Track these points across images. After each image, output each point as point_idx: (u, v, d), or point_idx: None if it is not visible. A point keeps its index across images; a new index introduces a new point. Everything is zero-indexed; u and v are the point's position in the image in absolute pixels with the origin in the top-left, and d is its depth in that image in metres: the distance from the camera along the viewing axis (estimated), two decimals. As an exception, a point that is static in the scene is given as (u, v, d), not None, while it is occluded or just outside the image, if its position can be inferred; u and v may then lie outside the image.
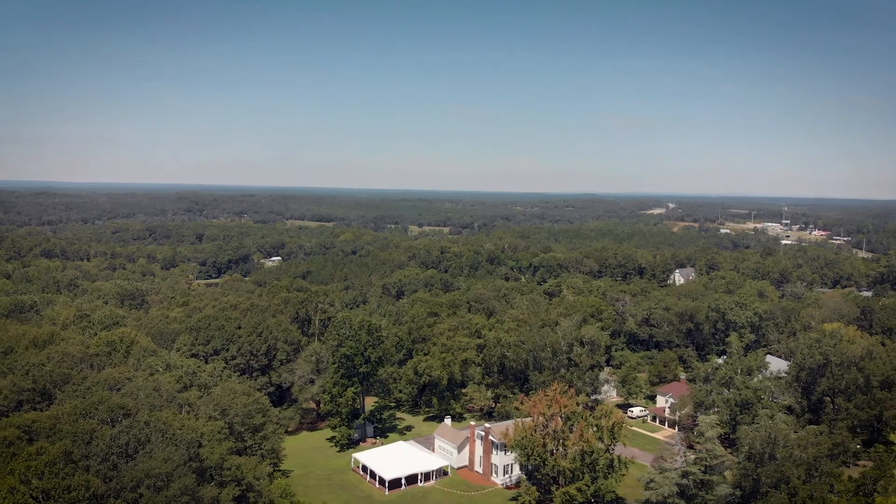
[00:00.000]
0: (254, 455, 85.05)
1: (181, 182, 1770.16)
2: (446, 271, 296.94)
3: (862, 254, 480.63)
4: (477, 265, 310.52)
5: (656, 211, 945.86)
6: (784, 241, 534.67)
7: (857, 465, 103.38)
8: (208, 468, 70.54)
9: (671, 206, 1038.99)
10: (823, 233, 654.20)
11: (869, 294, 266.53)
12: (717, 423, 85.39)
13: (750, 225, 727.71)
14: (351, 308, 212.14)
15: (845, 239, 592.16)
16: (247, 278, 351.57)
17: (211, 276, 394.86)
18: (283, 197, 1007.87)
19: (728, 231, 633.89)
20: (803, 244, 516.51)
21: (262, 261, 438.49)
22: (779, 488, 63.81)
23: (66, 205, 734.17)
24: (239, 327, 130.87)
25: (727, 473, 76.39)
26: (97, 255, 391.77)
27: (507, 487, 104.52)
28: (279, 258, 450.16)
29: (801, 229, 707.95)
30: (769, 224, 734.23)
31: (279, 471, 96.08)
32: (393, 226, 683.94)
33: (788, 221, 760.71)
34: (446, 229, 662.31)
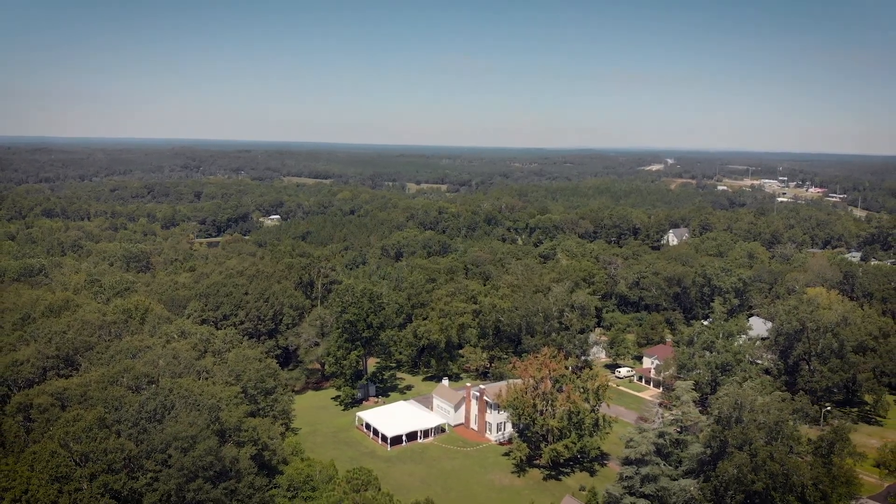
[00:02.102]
0: (266, 416, 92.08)
1: (176, 136, 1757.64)
2: (444, 232, 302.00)
3: (857, 211, 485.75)
4: (474, 226, 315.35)
5: (655, 167, 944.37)
6: (780, 199, 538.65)
7: (830, 425, 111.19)
8: (227, 430, 77.35)
9: (670, 161, 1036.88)
10: (820, 190, 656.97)
11: (857, 255, 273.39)
12: (692, 388, 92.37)
13: (747, 182, 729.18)
14: (350, 269, 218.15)
15: (841, 196, 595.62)
16: (247, 237, 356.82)
17: (211, 235, 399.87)
18: (279, 153, 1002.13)
19: (725, 188, 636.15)
20: (799, 202, 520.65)
21: (261, 219, 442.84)
22: (742, 449, 70.95)
23: (63, 161, 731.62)
24: (246, 293, 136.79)
25: (701, 435, 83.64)
26: (98, 214, 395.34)
27: (501, 443, 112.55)
28: (277, 216, 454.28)
29: (797, 186, 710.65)
30: (766, 181, 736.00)
31: (289, 430, 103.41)
32: (390, 183, 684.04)
33: (786, 178, 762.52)
34: (444, 187, 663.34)
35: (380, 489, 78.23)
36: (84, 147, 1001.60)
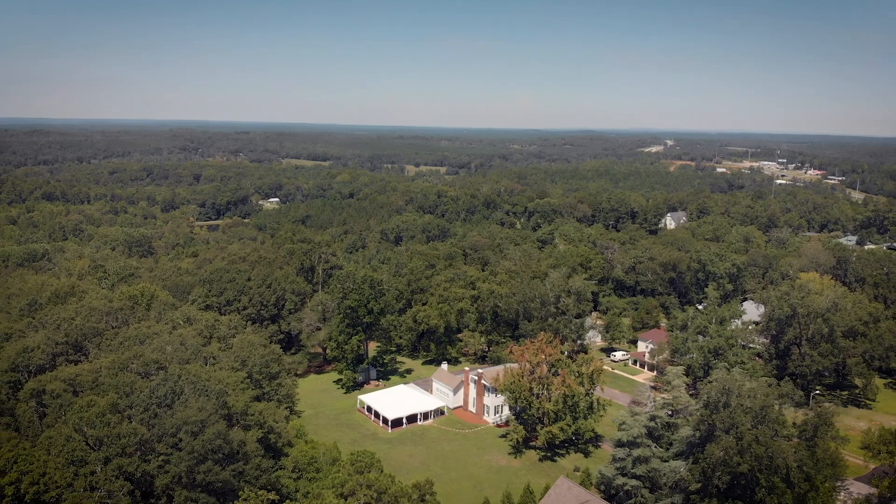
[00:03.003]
0: (271, 400, 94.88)
1: (173, 118, 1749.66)
2: (443, 216, 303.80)
3: (856, 194, 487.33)
4: (473, 209, 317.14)
5: (654, 149, 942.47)
6: (779, 181, 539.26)
7: (820, 408, 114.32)
8: (235, 414, 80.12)
9: (669, 143, 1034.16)
10: (819, 172, 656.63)
11: (853, 239, 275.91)
12: (684, 373, 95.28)
13: (746, 164, 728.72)
14: (350, 253, 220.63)
15: (840, 179, 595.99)
16: (246, 220, 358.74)
17: (211, 218, 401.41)
18: (277, 134, 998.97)
19: (724, 170, 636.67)
20: (797, 184, 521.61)
21: (260, 202, 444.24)
22: (729, 432, 73.96)
23: (61, 143, 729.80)
24: (249, 279, 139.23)
25: (691, 418, 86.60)
26: (98, 197, 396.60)
27: (498, 426, 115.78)
28: (277, 199, 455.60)
29: (796, 168, 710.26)
30: (765, 163, 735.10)
31: (293, 413, 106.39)
32: (389, 165, 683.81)
33: (785, 161, 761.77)
34: (443, 169, 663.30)
35: (382, 471, 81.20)
36: (82, 129, 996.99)
